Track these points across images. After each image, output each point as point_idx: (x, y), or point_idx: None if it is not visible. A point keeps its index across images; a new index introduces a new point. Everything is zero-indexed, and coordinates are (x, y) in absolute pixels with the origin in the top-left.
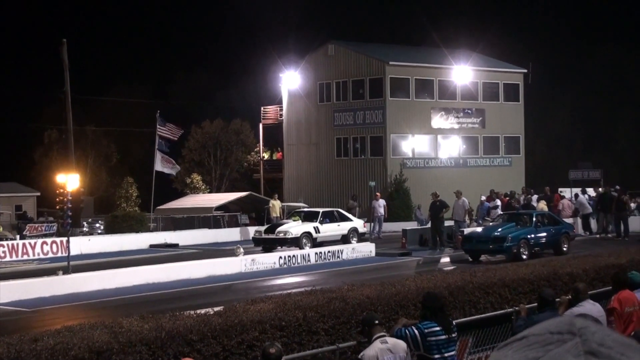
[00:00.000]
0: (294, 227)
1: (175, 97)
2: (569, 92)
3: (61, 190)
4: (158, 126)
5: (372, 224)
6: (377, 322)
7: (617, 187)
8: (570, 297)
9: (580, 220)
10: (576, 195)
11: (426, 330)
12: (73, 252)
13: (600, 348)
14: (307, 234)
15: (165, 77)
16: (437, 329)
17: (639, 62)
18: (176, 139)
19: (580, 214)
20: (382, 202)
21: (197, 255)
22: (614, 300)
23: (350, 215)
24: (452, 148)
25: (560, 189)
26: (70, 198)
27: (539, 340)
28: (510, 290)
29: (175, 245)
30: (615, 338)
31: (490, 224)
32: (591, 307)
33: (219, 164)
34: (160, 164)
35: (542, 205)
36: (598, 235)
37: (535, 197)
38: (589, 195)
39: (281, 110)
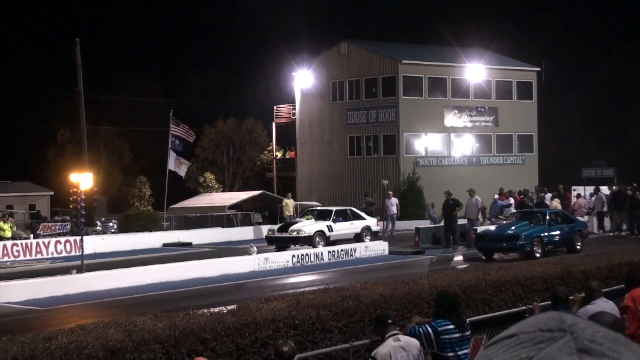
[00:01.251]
0: (307, 226)
1: (188, 96)
2: (582, 90)
3: (74, 190)
4: (171, 126)
5: (385, 222)
6: (390, 321)
7: (635, 184)
8: (583, 295)
9: (596, 218)
10: (592, 194)
11: (440, 329)
12: (86, 251)
13: (591, 345)
14: (320, 233)
15: (178, 76)
16: (451, 327)
17: None
18: (192, 141)
19: (595, 211)
20: (394, 200)
21: (210, 254)
22: (627, 298)
23: (363, 214)
24: (465, 146)
25: (573, 187)
26: (83, 197)
27: (530, 339)
28: (523, 289)
29: (189, 244)
30: (604, 334)
31: (504, 222)
32: (605, 305)
33: (232, 162)
34: (174, 164)
35: (556, 204)
36: (612, 233)
37: (548, 195)
38: (604, 194)
39: (294, 109)
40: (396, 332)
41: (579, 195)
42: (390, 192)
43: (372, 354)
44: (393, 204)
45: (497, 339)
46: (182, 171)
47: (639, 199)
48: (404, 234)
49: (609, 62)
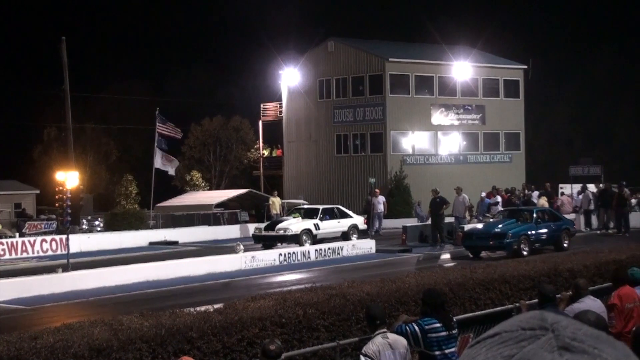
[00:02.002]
0: (294, 224)
1: (174, 94)
2: (570, 88)
3: (60, 188)
4: (158, 124)
5: (372, 220)
6: (378, 322)
7: (624, 182)
8: (571, 293)
9: (583, 216)
10: (579, 192)
11: (427, 327)
12: (72, 249)
13: (573, 342)
14: (307, 231)
15: (165, 74)
16: (438, 325)
17: (639, 58)
18: (179, 137)
19: (581, 209)
20: (381, 198)
21: (196, 253)
22: (614, 296)
23: (350, 212)
24: (452, 144)
25: (560, 185)
26: (69, 196)
27: (512, 337)
28: (510, 287)
29: (175, 243)
30: (585, 331)
31: (491, 220)
32: (592, 303)
33: (218, 161)
34: (161, 162)
35: (543, 202)
36: (599, 231)
37: (535, 193)
38: (591, 192)
39: (281, 107)
40: (385, 330)
41: (562, 193)
42: (377, 190)
43: (363, 351)
44: (380, 202)
45: (480, 338)
46: (171, 169)
47: (625, 197)
48: (391, 232)
49: (596, 59)
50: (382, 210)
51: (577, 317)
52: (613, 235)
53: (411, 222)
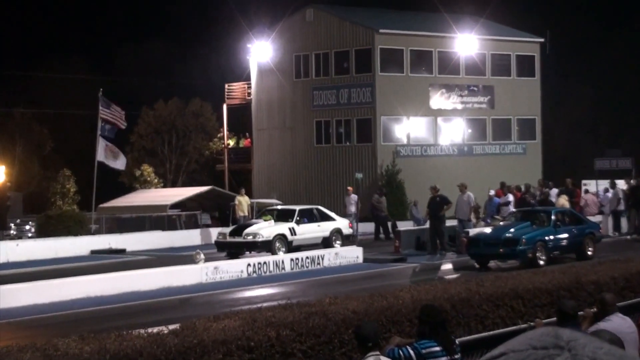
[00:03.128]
0: (265, 229)
1: (122, 73)
2: (594, 66)
3: None
4: (101, 108)
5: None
6: (370, 344)
7: None
8: (595, 310)
9: (611, 218)
10: (606, 189)
11: (423, 351)
12: None
13: None
14: (281, 237)
15: (110, 48)
16: (437, 349)
17: None
18: (124, 127)
19: (610, 210)
20: (354, 197)
21: (148, 263)
22: None
23: (332, 214)
24: (454, 133)
25: (583, 181)
26: None
27: (522, 358)
28: (524, 303)
29: (122, 251)
30: (608, 351)
31: (501, 223)
32: (620, 322)
33: (174, 152)
34: (104, 154)
35: (563, 201)
36: (629, 236)
37: (554, 191)
38: (621, 190)
39: (249, 88)
40: (377, 352)
41: (586, 191)
42: (349, 188)
43: None
44: (352, 201)
45: (483, 359)
46: (118, 164)
47: None
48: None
49: (627, 32)
50: (355, 211)
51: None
52: None
53: (406, 225)
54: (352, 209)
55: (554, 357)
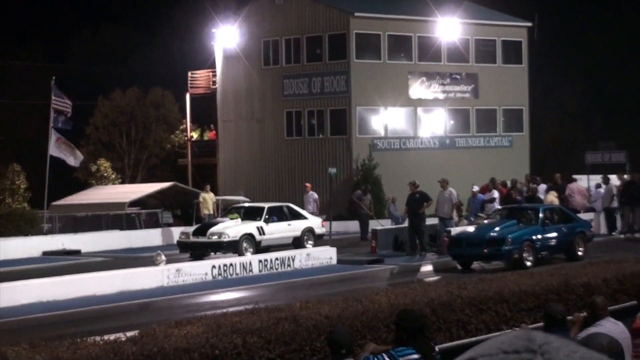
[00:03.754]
0: (232, 228)
1: (76, 60)
2: (586, 52)
3: None
4: (54, 97)
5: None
6: (344, 350)
7: None
8: (585, 314)
9: (604, 215)
10: (598, 185)
11: (401, 359)
12: None
13: None
14: (249, 236)
15: (64, 33)
16: (415, 356)
17: None
18: (68, 113)
19: (602, 207)
20: (312, 195)
21: (105, 265)
22: None
23: (304, 212)
24: (435, 124)
25: (575, 177)
26: None
27: None
28: (509, 307)
29: (77, 252)
30: (583, 355)
31: (485, 221)
32: (612, 327)
33: (133, 146)
34: (56, 148)
35: (552, 198)
36: (622, 235)
37: (542, 186)
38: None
39: (214, 76)
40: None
41: (575, 180)
42: (307, 185)
43: None
44: (310, 200)
45: None
46: (72, 160)
47: None
48: (354, 237)
49: (621, 16)
50: (312, 211)
51: (587, 341)
52: None
53: (383, 224)
54: (310, 207)
55: None
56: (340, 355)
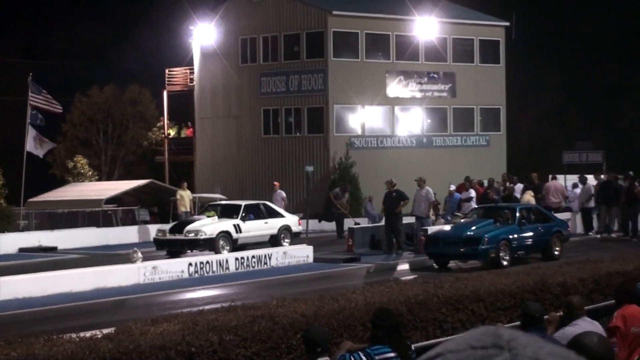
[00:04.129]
0: (208, 225)
1: (52, 56)
2: (564, 52)
3: None
4: (30, 94)
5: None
6: (319, 349)
7: (631, 173)
8: (562, 313)
9: (581, 215)
10: (575, 185)
11: (377, 357)
12: None
13: None
14: (225, 234)
15: (40, 29)
16: (391, 355)
17: None
18: (60, 111)
19: (579, 207)
20: (280, 193)
21: (81, 262)
22: (617, 317)
23: (281, 210)
24: (413, 123)
25: (551, 176)
26: None
27: (459, 358)
28: (486, 306)
29: (53, 249)
30: (550, 350)
31: (462, 221)
32: (588, 327)
33: (110, 143)
34: (33, 144)
35: (529, 197)
36: (599, 235)
37: (519, 186)
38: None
39: (192, 73)
40: (326, 359)
41: (554, 178)
42: (276, 183)
43: None
44: (278, 198)
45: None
46: (41, 151)
47: (636, 192)
48: (330, 236)
49: (599, 17)
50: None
51: (576, 340)
52: (618, 241)
53: (359, 222)
54: (277, 206)
55: (493, 357)
56: (316, 353)
